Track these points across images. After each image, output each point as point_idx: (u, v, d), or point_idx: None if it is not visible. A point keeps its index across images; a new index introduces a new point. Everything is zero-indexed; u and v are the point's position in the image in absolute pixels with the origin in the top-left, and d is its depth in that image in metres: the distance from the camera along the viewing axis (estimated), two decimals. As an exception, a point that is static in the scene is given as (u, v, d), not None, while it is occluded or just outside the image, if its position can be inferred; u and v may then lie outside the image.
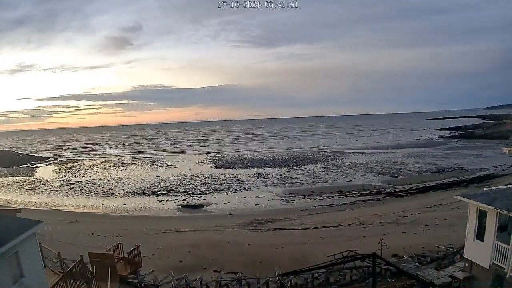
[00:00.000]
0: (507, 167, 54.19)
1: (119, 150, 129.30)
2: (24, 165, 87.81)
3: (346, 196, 43.58)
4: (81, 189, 54.14)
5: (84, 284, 12.72)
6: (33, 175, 70.62)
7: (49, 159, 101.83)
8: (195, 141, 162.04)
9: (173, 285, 16.49)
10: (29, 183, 60.38)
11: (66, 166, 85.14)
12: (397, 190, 45.28)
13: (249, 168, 69.04)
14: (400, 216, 30.85)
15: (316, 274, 17.34)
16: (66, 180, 63.02)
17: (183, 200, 44.83)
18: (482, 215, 13.14)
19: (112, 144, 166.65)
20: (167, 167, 76.57)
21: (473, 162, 62.98)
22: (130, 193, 50.19)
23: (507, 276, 11.91)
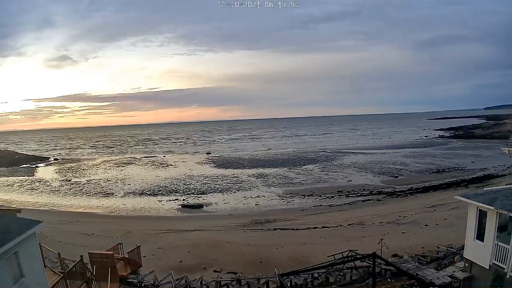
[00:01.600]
0: (507, 167, 54.16)
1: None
2: (24, 165, 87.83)
3: (346, 196, 43.56)
4: (81, 189, 54.14)
5: (84, 284, 12.72)
6: (33, 175, 70.63)
7: (49, 159, 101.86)
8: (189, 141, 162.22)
9: (173, 285, 16.50)
10: (29, 183, 60.39)
11: (66, 166, 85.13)
12: (397, 190, 45.26)
13: (249, 168, 69.01)
14: (400, 216, 30.85)
15: (316, 274, 17.35)
16: (66, 180, 63.02)
17: (183, 200, 44.82)
18: (482, 215, 13.14)
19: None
20: (167, 167, 76.56)
21: (473, 162, 62.96)
22: (130, 193, 50.18)
23: (507, 276, 11.91)
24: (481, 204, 12.83)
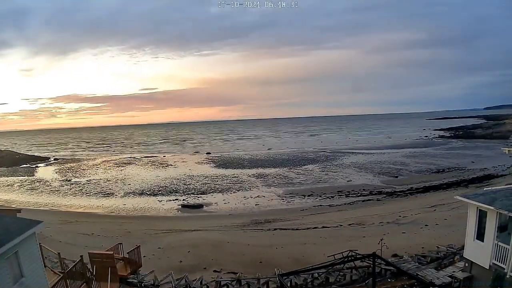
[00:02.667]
0: (507, 167, 54.15)
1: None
2: (24, 165, 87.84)
3: (346, 196, 43.56)
4: (81, 189, 54.14)
5: (84, 284, 12.72)
6: (33, 175, 70.63)
7: (49, 159, 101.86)
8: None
9: (173, 285, 16.50)
10: (29, 183, 60.39)
11: (66, 166, 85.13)
12: (397, 190, 45.26)
13: (249, 168, 69.02)
14: (400, 216, 30.84)
15: (316, 274, 17.34)
16: (66, 180, 63.01)
17: (183, 200, 44.82)
18: (482, 215, 13.14)
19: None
20: (167, 167, 76.57)
21: (473, 162, 62.94)
22: (130, 193, 50.18)
23: (507, 276, 11.91)
24: (481, 204, 12.83)
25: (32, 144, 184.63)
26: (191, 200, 44.56)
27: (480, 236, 13.34)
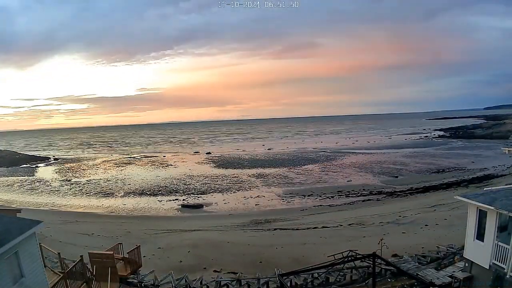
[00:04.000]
0: (507, 167, 54.17)
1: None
2: (24, 165, 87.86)
3: (346, 196, 43.56)
4: (81, 189, 54.15)
5: (84, 284, 12.70)
6: (33, 175, 70.65)
7: (49, 159, 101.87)
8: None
9: (173, 285, 16.50)
10: (29, 183, 60.40)
11: (66, 166, 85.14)
12: (397, 190, 45.26)
13: (249, 168, 69.02)
14: (400, 216, 30.84)
15: (316, 274, 17.34)
16: (66, 180, 63.03)
17: (183, 200, 44.83)
18: (482, 215, 13.14)
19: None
20: (167, 167, 76.57)
21: (473, 162, 62.91)
22: (130, 193, 50.18)
23: (507, 276, 11.91)
24: (481, 204, 12.83)
25: (31, 144, 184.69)
26: (191, 200, 44.56)
27: (480, 236, 13.33)
